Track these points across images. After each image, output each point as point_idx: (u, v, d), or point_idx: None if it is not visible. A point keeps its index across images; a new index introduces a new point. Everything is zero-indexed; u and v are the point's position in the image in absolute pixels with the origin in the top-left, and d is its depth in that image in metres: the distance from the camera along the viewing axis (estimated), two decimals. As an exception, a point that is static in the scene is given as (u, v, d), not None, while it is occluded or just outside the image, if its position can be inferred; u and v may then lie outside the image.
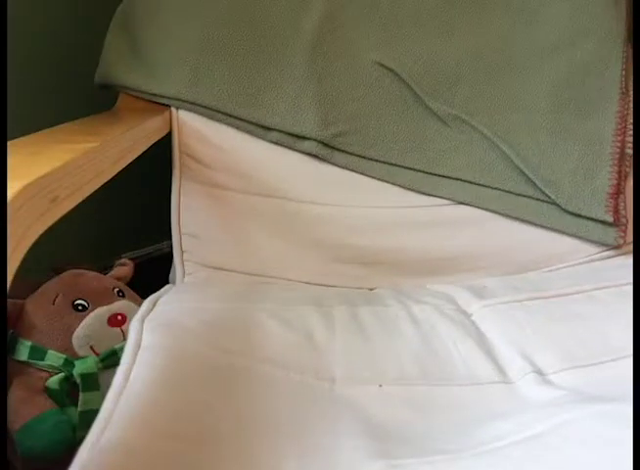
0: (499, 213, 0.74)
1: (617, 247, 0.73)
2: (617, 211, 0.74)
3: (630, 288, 0.62)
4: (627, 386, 0.43)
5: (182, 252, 0.69)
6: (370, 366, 0.47)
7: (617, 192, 0.75)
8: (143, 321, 0.49)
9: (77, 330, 0.60)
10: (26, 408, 0.56)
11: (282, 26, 0.76)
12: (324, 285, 0.70)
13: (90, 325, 0.60)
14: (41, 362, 0.59)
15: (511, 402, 0.43)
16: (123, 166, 0.49)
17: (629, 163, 0.78)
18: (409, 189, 0.75)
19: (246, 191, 0.72)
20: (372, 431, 0.38)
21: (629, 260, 0.71)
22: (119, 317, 0.61)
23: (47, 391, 0.59)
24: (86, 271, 0.67)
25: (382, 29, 0.79)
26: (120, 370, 0.41)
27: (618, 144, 0.77)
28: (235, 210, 0.72)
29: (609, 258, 0.73)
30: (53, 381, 0.59)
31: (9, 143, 0.41)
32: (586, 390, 0.43)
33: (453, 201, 0.75)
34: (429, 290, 0.67)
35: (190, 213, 0.71)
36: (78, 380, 0.59)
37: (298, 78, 0.75)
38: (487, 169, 0.76)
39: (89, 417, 0.55)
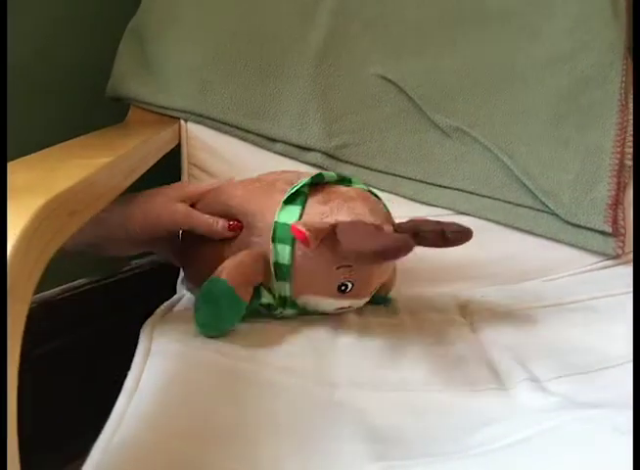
0: (499, 224, 0.76)
1: (615, 257, 0.74)
2: (615, 222, 0.75)
3: (626, 297, 0.63)
4: (618, 392, 0.44)
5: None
6: (370, 372, 0.49)
7: (616, 203, 0.76)
8: (154, 327, 0.51)
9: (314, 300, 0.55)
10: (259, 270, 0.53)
11: (288, 41, 0.78)
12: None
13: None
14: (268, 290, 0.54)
15: (505, 408, 0.44)
16: (135, 179, 0.51)
17: (628, 174, 0.79)
18: (411, 199, 0.77)
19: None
20: (370, 434, 0.39)
21: (627, 270, 0.72)
22: None
23: None
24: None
25: (385, 44, 0.81)
26: (131, 374, 0.43)
27: (618, 155, 0.78)
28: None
29: (607, 267, 0.74)
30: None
31: (28, 158, 0.44)
32: (579, 397, 0.44)
33: (454, 211, 0.76)
34: (429, 298, 0.69)
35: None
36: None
37: (304, 91, 0.77)
38: (488, 180, 0.77)
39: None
